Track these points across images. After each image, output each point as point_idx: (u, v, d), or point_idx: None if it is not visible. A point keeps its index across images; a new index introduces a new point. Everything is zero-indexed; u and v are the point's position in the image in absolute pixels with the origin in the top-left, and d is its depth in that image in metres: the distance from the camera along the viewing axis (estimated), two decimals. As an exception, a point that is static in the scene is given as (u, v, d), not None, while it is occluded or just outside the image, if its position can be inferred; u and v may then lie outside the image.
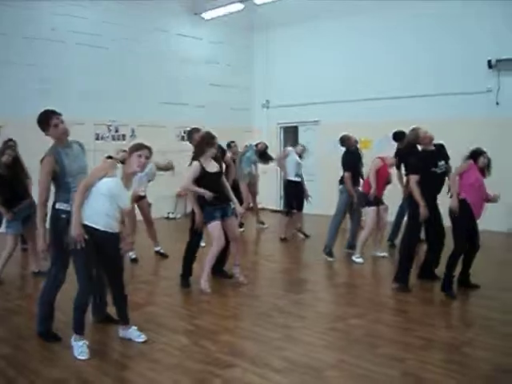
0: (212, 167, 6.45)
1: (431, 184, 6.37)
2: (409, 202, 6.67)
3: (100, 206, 4.43)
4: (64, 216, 4.62)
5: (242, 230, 10.63)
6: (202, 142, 6.48)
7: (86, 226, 4.40)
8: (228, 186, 6.66)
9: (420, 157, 6.60)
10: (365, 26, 12.51)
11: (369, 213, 8.13)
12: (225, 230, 6.51)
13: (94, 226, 4.43)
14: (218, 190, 6.39)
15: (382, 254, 8.38)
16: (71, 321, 4.54)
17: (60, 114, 4.78)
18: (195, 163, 6.39)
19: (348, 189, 8.26)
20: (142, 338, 4.77)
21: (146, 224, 8.38)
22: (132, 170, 4.58)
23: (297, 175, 10.01)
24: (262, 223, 11.61)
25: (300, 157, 10.13)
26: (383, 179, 8.03)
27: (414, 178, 6.37)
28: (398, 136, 8.53)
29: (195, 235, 6.79)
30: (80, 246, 4.35)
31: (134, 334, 4.81)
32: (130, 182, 4.60)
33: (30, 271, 7.32)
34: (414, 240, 6.60)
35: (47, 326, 4.83)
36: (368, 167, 8.22)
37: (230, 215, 6.57)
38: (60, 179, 4.68)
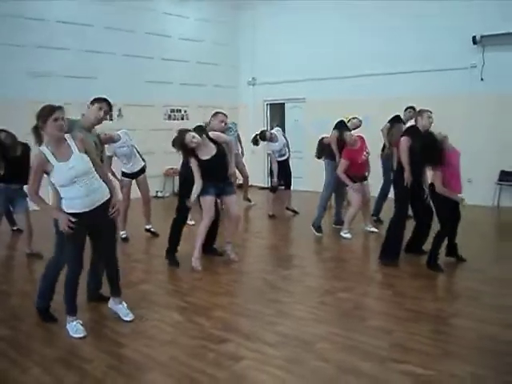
0: (207, 153, 6.44)
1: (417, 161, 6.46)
2: (395, 177, 6.79)
3: (75, 192, 4.34)
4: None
5: (252, 203, 11.41)
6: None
7: (74, 215, 4.37)
8: (231, 165, 6.67)
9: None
10: (350, 3, 12.47)
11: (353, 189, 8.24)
12: (225, 206, 6.68)
13: (80, 211, 4.38)
14: (216, 171, 6.45)
15: (373, 229, 8.50)
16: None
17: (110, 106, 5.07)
18: (192, 159, 6.42)
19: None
20: (130, 316, 4.84)
21: (143, 200, 8.40)
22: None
23: (281, 155, 10.11)
24: (249, 200, 11.71)
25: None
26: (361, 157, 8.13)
27: (405, 140, 6.47)
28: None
29: (181, 212, 6.87)
30: (67, 232, 4.38)
31: (122, 311, 4.89)
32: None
33: (25, 252, 7.34)
34: (402, 219, 6.67)
35: (45, 303, 4.91)
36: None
37: (229, 194, 6.64)
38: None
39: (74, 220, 4.34)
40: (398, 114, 8.87)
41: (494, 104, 10.50)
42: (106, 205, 4.56)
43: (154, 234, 8.41)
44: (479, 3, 10.49)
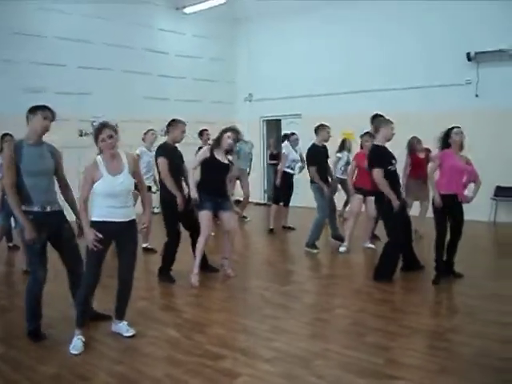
0: (222, 158, 6.60)
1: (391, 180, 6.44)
2: (377, 199, 6.72)
3: (112, 203, 4.55)
4: (31, 217, 4.62)
5: (247, 219, 11.38)
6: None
7: (103, 223, 4.55)
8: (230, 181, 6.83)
9: (381, 152, 6.57)
10: (348, 18, 12.60)
11: (355, 200, 8.35)
12: (222, 222, 6.75)
13: (109, 219, 4.56)
14: (218, 181, 6.54)
15: (372, 246, 8.47)
16: (69, 316, 4.70)
17: (53, 114, 4.77)
18: (205, 148, 6.62)
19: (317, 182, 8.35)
20: (130, 332, 4.86)
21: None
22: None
23: (290, 167, 10.18)
24: (244, 217, 11.69)
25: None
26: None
27: (378, 171, 6.40)
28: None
29: (171, 236, 6.78)
30: (94, 247, 4.49)
31: (123, 328, 4.90)
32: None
33: (20, 269, 7.32)
34: (399, 239, 6.55)
35: (35, 324, 4.84)
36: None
37: (226, 209, 6.67)
38: (18, 174, 4.59)
39: (99, 236, 4.48)
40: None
41: (489, 120, 10.56)
42: (131, 224, 4.68)
43: (152, 251, 8.37)
44: (473, 20, 10.61)
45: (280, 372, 4.08)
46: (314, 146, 8.50)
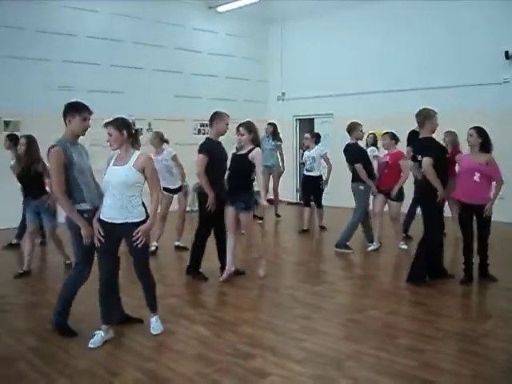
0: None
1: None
2: (423, 193, 6.63)
3: (105, 200, 4.64)
4: (86, 215, 4.67)
5: (260, 221, 10.78)
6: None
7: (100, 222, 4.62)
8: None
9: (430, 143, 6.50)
10: (381, 16, 12.45)
11: (378, 200, 8.39)
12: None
13: (103, 219, 4.60)
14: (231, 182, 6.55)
15: (405, 247, 8.37)
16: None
17: (91, 113, 4.82)
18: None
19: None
20: (157, 330, 4.85)
21: (179, 216, 8.48)
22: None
23: (306, 169, 10.12)
24: (278, 215, 11.72)
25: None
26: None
27: (427, 160, 6.26)
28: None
29: (204, 227, 6.79)
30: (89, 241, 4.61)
31: (151, 323, 4.91)
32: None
33: (64, 262, 7.43)
34: (437, 240, 6.50)
35: (64, 319, 4.89)
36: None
37: (239, 210, 6.57)
38: (69, 173, 4.62)
39: (100, 231, 4.56)
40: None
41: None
42: (125, 226, 4.57)
43: (184, 249, 8.40)
44: (511, 18, 10.37)
45: (310, 373, 4.04)
46: (352, 145, 8.44)
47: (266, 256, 7.21)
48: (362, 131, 8.44)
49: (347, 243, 8.31)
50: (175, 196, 8.50)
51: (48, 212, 7.07)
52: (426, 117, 6.47)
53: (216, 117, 6.82)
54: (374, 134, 10.02)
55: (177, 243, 8.56)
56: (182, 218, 8.44)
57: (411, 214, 9.15)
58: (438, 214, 6.38)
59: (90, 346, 4.53)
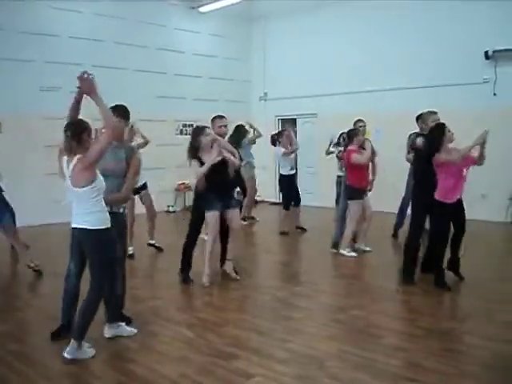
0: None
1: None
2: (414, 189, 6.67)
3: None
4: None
5: (245, 223, 10.61)
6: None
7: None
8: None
9: None
10: (363, 17, 12.49)
11: (352, 207, 7.97)
12: (227, 220, 6.60)
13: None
14: (223, 178, 6.47)
15: (367, 249, 8.19)
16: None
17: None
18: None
19: None
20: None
21: (148, 216, 8.34)
22: None
23: (291, 168, 10.05)
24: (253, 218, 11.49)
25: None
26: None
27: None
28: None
29: (194, 230, 6.79)
30: None
31: (126, 330, 4.82)
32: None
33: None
34: (417, 232, 6.53)
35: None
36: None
37: (231, 207, 6.60)
38: None
39: None
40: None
41: (507, 119, 10.40)
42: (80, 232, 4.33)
43: (159, 249, 8.34)
44: (491, 18, 10.47)
45: (294, 373, 4.03)
46: None
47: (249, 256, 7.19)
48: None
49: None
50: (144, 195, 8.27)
51: None
52: (426, 118, 6.85)
53: (211, 121, 7.03)
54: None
55: (152, 242, 8.42)
56: (151, 216, 8.32)
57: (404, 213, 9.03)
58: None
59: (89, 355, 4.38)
